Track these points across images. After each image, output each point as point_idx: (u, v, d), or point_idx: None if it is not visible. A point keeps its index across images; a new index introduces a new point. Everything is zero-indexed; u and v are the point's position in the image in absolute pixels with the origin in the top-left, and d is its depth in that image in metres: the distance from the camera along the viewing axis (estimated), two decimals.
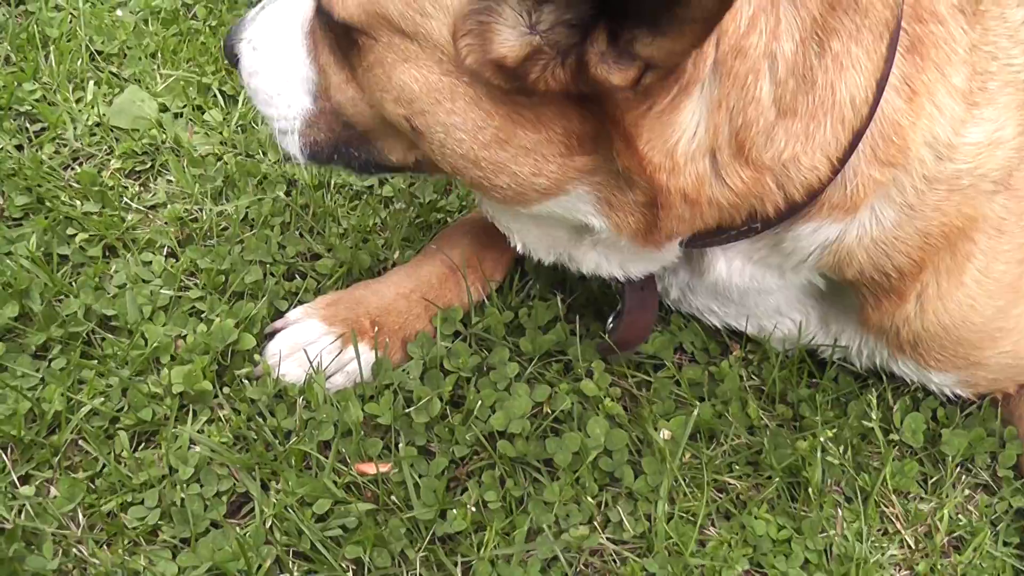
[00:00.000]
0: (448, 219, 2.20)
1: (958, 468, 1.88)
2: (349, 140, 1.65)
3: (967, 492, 1.87)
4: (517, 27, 1.27)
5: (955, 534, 1.80)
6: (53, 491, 1.69)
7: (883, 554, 1.75)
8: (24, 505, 1.65)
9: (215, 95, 2.43)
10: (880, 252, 1.60)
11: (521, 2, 1.25)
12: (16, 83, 2.37)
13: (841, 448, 1.85)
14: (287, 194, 2.20)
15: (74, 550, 1.62)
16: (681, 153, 1.38)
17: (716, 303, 1.94)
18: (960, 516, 1.82)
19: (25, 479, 1.70)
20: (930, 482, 1.87)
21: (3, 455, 1.71)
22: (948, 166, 1.52)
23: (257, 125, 2.35)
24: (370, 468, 1.72)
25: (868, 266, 1.63)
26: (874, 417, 1.86)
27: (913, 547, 1.78)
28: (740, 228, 1.55)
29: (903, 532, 1.79)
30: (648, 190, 1.44)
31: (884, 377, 1.94)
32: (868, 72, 1.40)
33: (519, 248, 1.80)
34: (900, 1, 1.42)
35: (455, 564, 1.65)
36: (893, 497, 1.82)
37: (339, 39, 1.51)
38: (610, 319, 1.97)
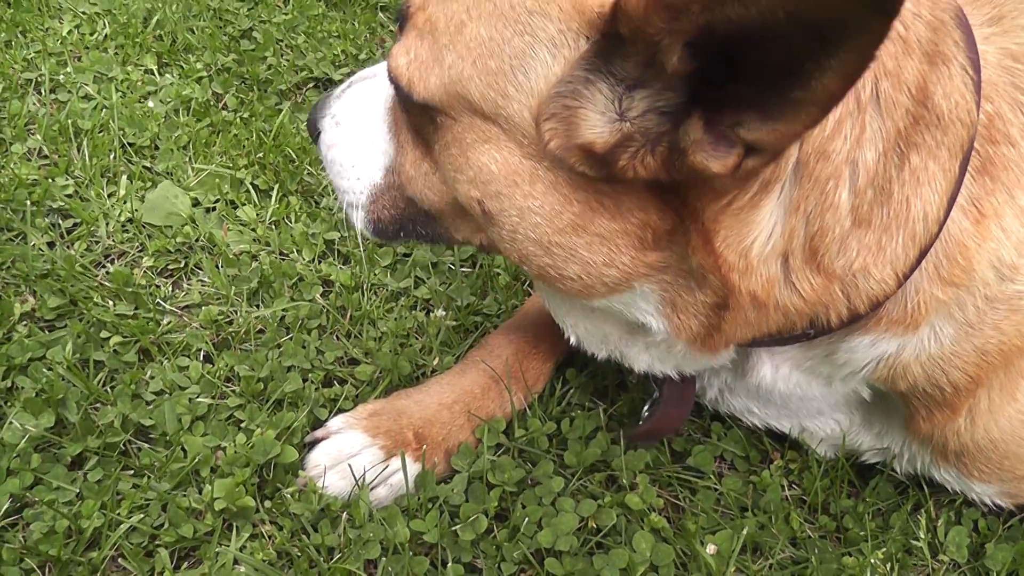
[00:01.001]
0: (486, 322, 2.18)
1: None
2: (414, 217, 1.67)
3: None
4: (607, 113, 1.26)
5: None
6: None
7: None
8: None
9: (248, 190, 2.42)
10: (936, 368, 1.59)
11: (611, 88, 1.24)
12: (49, 178, 2.35)
13: (888, 565, 1.82)
14: (323, 296, 2.18)
15: None
16: (756, 254, 1.37)
17: (756, 404, 1.92)
18: None
19: None
20: None
21: (40, 575, 1.67)
22: (1010, 287, 1.51)
23: (291, 222, 2.34)
24: None
25: (923, 380, 1.61)
26: (922, 536, 1.84)
27: None
28: (795, 335, 1.53)
29: None
30: (719, 290, 1.42)
31: (924, 485, 1.92)
32: (942, 190, 1.39)
33: (573, 341, 1.78)
34: (976, 120, 1.41)
35: None
36: None
37: (418, 117, 1.51)
38: (645, 408, 1.95)
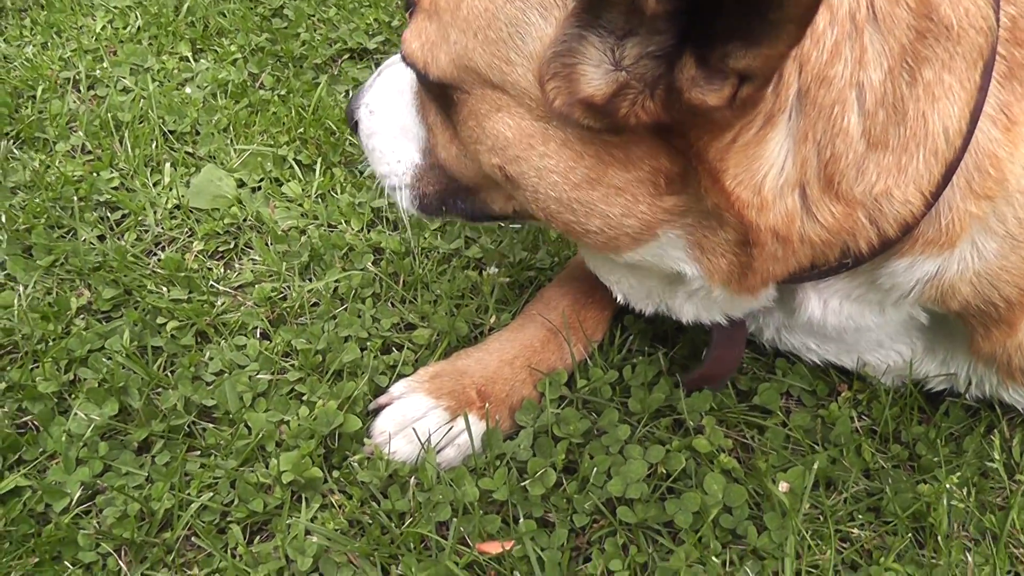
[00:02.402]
0: (540, 276, 2.16)
1: None
2: (456, 192, 1.71)
3: None
4: (602, 65, 1.26)
5: None
6: None
7: None
8: None
9: (291, 166, 2.42)
10: (986, 284, 1.55)
11: (603, 40, 1.25)
12: (94, 173, 2.36)
13: (964, 490, 1.78)
14: (374, 264, 2.17)
15: None
16: (769, 188, 1.35)
17: (813, 341, 1.89)
18: None
19: None
20: None
21: (117, 558, 1.68)
22: None
23: (337, 194, 2.33)
24: (492, 547, 1.68)
25: (973, 298, 1.57)
26: (997, 457, 1.80)
27: None
28: (833, 265, 1.51)
29: None
30: (739, 227, 1.41)
31: (996, 407, 1.88)
32: (962, 101, 1.36)
33: (620, 299, 1.81)
34: (995, 27, 1.37)
35: None
36: (1023, 537, 1.76)
37: (438, 99, 1.55)
38: (704, 355, 1.93)
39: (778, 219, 1.38)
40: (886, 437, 1.90)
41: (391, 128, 1.74)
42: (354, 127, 1.83)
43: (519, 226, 2.25)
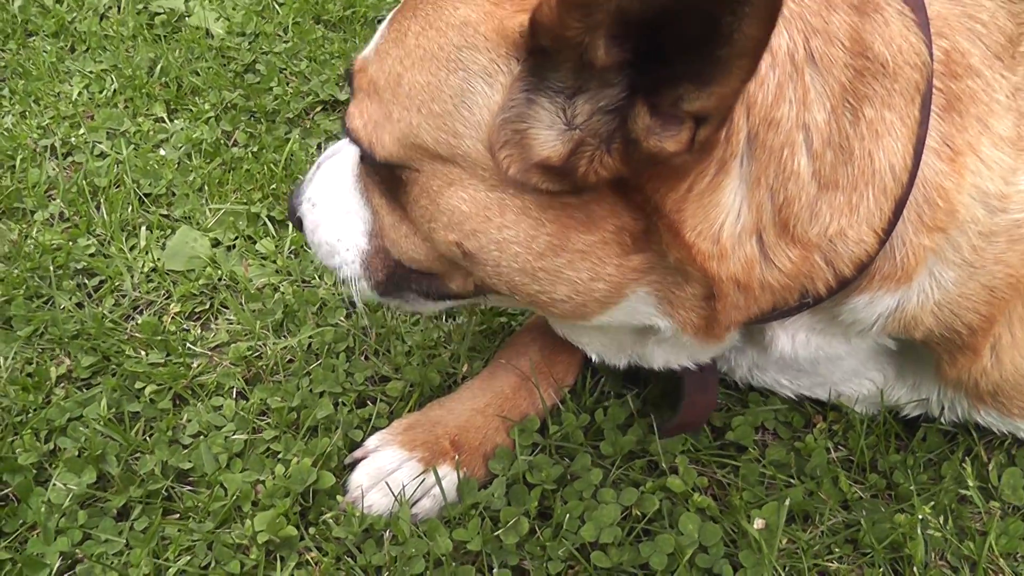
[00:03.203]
0: (512, 321, 2.18)
1: None
2: (407, 275, 1.66)
3: None
4: (554, 126, 1.26)
5: None
6: None
7: None
8: None
9: (264, 223, 2.44)
10: (947, 312, 1.56)
11: (552, 100, 1.25)
12: (71, 240, 2.39)
13: (941, 518, 1.79)
14: (347, 318, 2.19)
15: None
16: (727, 237, 1.35)
17: (786, 376, 1.90)
18: None
19: None
20: None
21: None
22: (1004, 217, 1.48)
23: (310, 249, 2.35)
24: None
25: (936, 327, 1.58)
26: (971, 484, 1.80)
27: None
28: (793, 307, 1.51)
29: None
30: (703, 281, 1.41)
31: (973, 432, 1.88)
32: (904, 137, 1.37)
33: (594, 358, 1.80)
34: (929, 61, 1.38)
35: None
36: (1001, 562, 1.76)
37: (385, 180, 1.53)
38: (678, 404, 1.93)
39: (738, 267, 1.39)
40: (863, 467, 1.90)
41: (335, 216, 1.70)
42: (298, 224, 1.79)
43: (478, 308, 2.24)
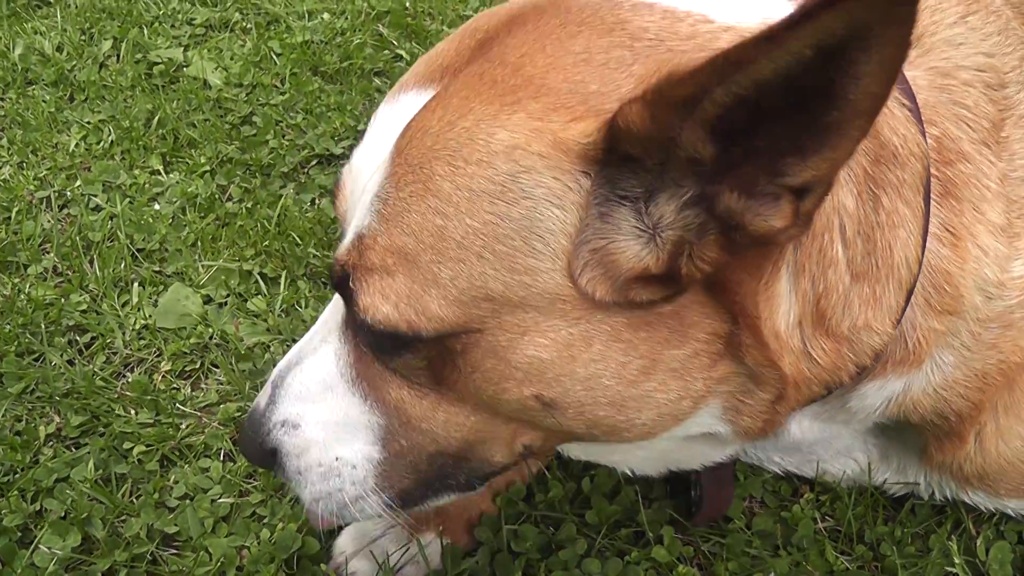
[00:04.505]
0: None
1: None
2: (442, 468, 1.46)
3: None
4: (636, 235, 1.20)
5: None
6: None
7: None
8: None
9: (256, 280, 2.45)
10: (940, 397, 1.55)
11: (628, 209, 1.19)
12: (63, 297, 2.40)
13: None
14: None
15: None
16: (783, 330, 1.31)
17: (778, 454, 1.90)
18: None
19: None
20: None
21: None
22: (999, 304, 1.48)
23: (301, 307, 2.36)
24: None
25: (931, 412, 1.58)
26: (957, 561, 1.80)
27: None
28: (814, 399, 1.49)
29: None
30: (776, 382, 1.35)
31: (960, 507, 1.88)
32: (914, 227, 1.35)
33: (622, 472, 1.73)
34: (927, 150, 1.38)
35: None
36: None
37: (427, 364, 1.33)
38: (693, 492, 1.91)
39: (793, 363, 1.34)
40: (850, 537, 1.89)
41: (328, 432, 1.44)
42: (266, 458, 1.50)
43: None
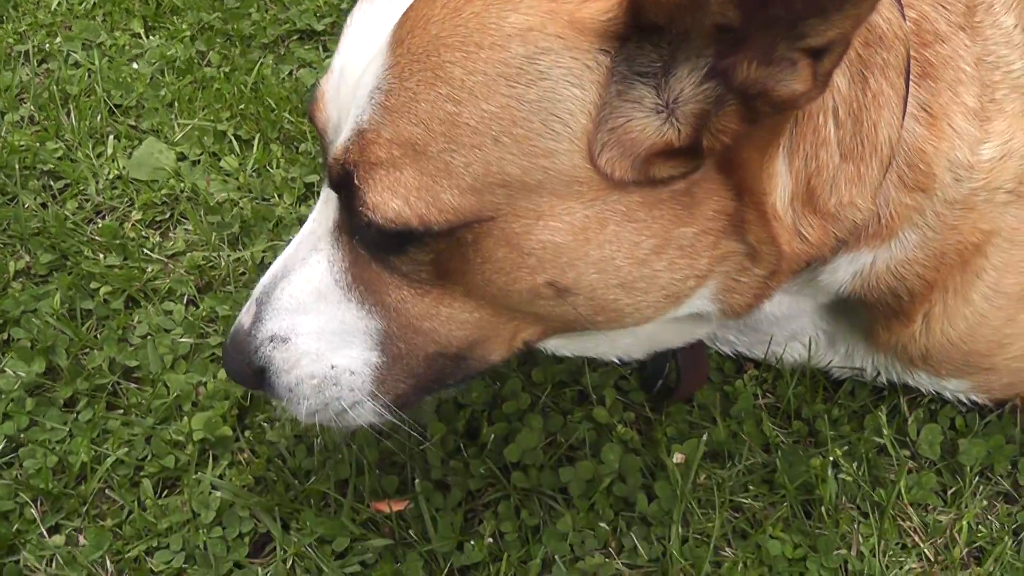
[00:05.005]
0: None
1: (977, 478, 1.87)
2: (441, 369, 1.46)
3: (986, 502, 1.86)
4: (655, 110, 1.22)
5: (975, 544, 1.79)
6: (82, 540, 1.74)
7: (901, 568, 1.75)
8: (54, 555, 1.71)
9: (231, 141, 2.49)
10: (897, 275, 1.60)
11: (646, 85, 1.20)
12: (39, 143, 2.44)
13: (855, 464, 1.85)
14: None
15: None
16: (780, 208, 1.35)
17: (734, 334, 1.94)
18: (980, 527, 1.82)
19: (55, 529, 1.76)
20: (949, 493, 1.86)
21: (33, 508, 1.76)
22: (966, 186, 1.52)
23: (272, 168, 2.40)
24: (387, 505, 1.76)
25: (886, 290, 1.63)
26: (887, 433, 1.87)
27: (932, 559, 1.78)
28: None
29: (921, 545, 1.79)
30: (773, 258, 1.39)
31: (899, 389, 1.95)
32: (896, 107, 1.39)
33: (614, 360, 1.72)
34: (907, 31, 1.41)
35: None
36: (910, 510, 1.82)
37: (434, 259, 1.32)
38: (652, 375, 1.94)
39: (788, 240, 1.38)
40: (788, 414, 1.96)
41: (323, 342, 1.42)
42: (255, 377, 1.47)
43: None
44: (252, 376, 1.46)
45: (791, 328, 1.88)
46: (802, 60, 1.13)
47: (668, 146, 1.22)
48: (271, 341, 1.43)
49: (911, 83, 1.43)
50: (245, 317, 1.47)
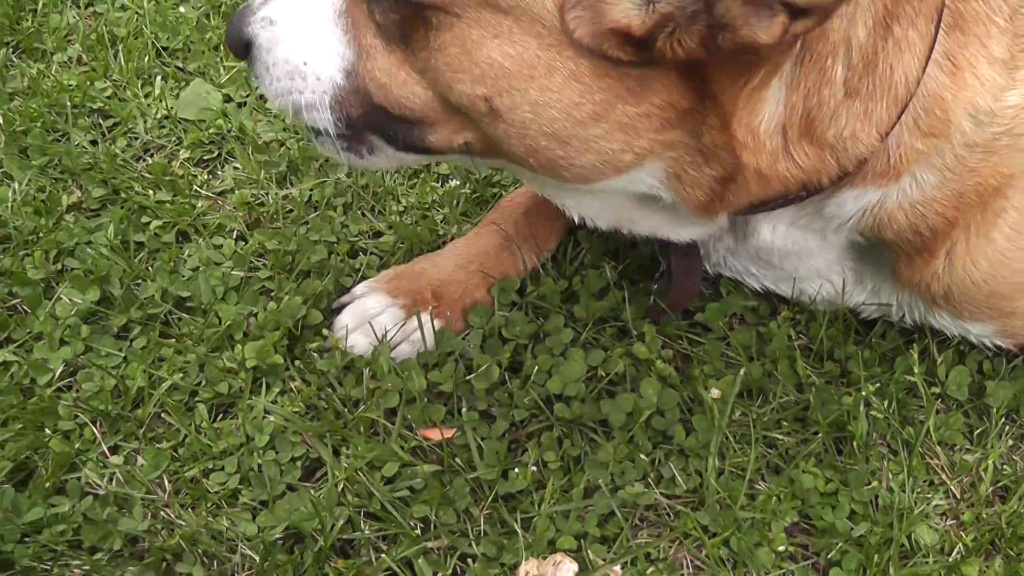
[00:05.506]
0: (503, 192, 2.28)
1: (1003, 419, 1.93)
2: (386, 120, 1.56)
3: (1012, 442, 1.91)
4: None
5: (1000, 483, 1.85)
6: (140, 460, 1.80)
7: (928, 504, 1.80)
8: (114, 473, 1.78)
9: None
10: (918, 213, 1.67)
11: None
12: (88, 82, 2.50)
13: (886, 402, 1.90)
14: (348, 175, 2.30)
15: (162, 513, 1.73)
16: (763, 131, 1.45)
17: (756, 266, 1.99)
18: (1005, 466, 1.87)
19: (114, 449, 1.82)
20: (975, 433, 1.92)
21: (93, 428, 1.83)
22: (988, 130, 1.59)
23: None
24: (434, 433, 1.81)
25: (905, 227, 1.69)
26: (917, 371, 1.92)
27: (958, 497, 1.83)
28: (789, 199, 1.62)
29: (948, 483, 1.84)
30: (728, 165, 1.48)
31: (929, 333, 1.99)
32: (920, 52, 1.48)
33: (576, 219, 1.80)
34: None
35: (516, 520, 1.73)
36: (938, 449, 1.88)
37: (401, 19, 1.43)
38: (653, 283, 2.04)
39: (764, 159, 1.47)
40: (821, 355, 2.01)
41: (304, 39, 1.54)
42: (243, 48, 1.60)
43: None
44: (243, 47, 1.60)
45: (812, 266, 1.93)
46: (781, 14, 1.20)
47: (627, 31, 1.28)
48: (267, 20, 1.57)
49: (941, 32, 1.50)
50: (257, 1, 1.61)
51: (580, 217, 1.80)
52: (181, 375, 1.90)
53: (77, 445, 1.80)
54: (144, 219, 2.18)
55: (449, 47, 1.38)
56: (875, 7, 1.42)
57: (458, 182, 2.30)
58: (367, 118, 1.56)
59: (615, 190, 1.60)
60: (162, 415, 1.87)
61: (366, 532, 1.72)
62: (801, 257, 1.90)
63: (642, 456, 1.82)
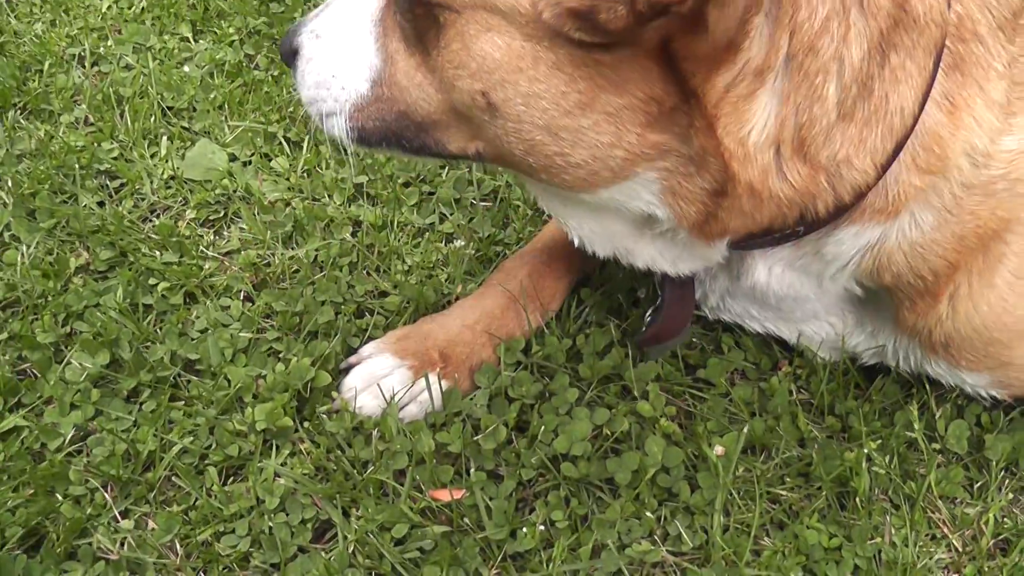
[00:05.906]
0: (507, 251, 2.31)
1: (1003, 472, 1.95)
2: (402, 129, 1.67)
3: (1012, 495, 1.94)
4: None
5: (1001, 536, 1.87)
6: (151, 524, 1.82)
7: (931, 558, 1.83)
8: (126, 538, 1.79)
9: (280, 143, 2.57)
10: (917, 255, 1.70)
11: None
12: (95, 143, 2.53)
13: (887, 457, 1.93)
14: (353, 235, 2.33)
15: None
16: (752, 143, 1.48)
17: (755, 308, 2.02)
18: (1006, 519, 1.89)
19: (125, 514, 1.84)
20: (976, 487, 1.94)
21: (104, 492, 1.85)
22: (984, 172, 1.63)
23: (322, 170, 2.49)
24: (443, 494, 1.84)
25: (905, 269, 1.72)
26: (917, 427, 1.95)
27: (960, 550, 1.85)
28: (787, 231, 1.65)
29: (950, 536, 1.87)
30: (719, 175, 1.52)
31: (927, 384, 2.02)
32: (917, 86, 1.52)
33: (576, 242, 1.84)
34: (948, 22, 1.54)
35: None
36: (939, 503, 1.90)
37: (418, 20, 1.53)
38: (647, 314, 2.06)
39: (755, 173, 1.50)
40: (822, 409, 2.04)
41: (339, 53, 1.67)
42: (290, 56, 1.75)
43: (491, 203, 2.39)
44: (291, 55, 1.74)
45: (811, 309, 1.96)
46: None
47: (577, 8, 1.34)
48: (313, 32, 1.71)
49: (940, 71, 1.55)
50: (315, 11, 1.75)
51: (580, 240, 1.83)
52: (191, 438, 1.92)
53: (88, 510, 1.82)
54: (152, 281, 2.21)
55: (452, 43, 1.48)
56: (870, 30, 1.46)
57: (462, 242, 2.34)
58: (384, 129, 1.67)
59: (615, 205, 1.64)
60: (173, 478, 1.89)
61: None
62: (796, 301, 1.93)
63: (648, 514, 1.85)
